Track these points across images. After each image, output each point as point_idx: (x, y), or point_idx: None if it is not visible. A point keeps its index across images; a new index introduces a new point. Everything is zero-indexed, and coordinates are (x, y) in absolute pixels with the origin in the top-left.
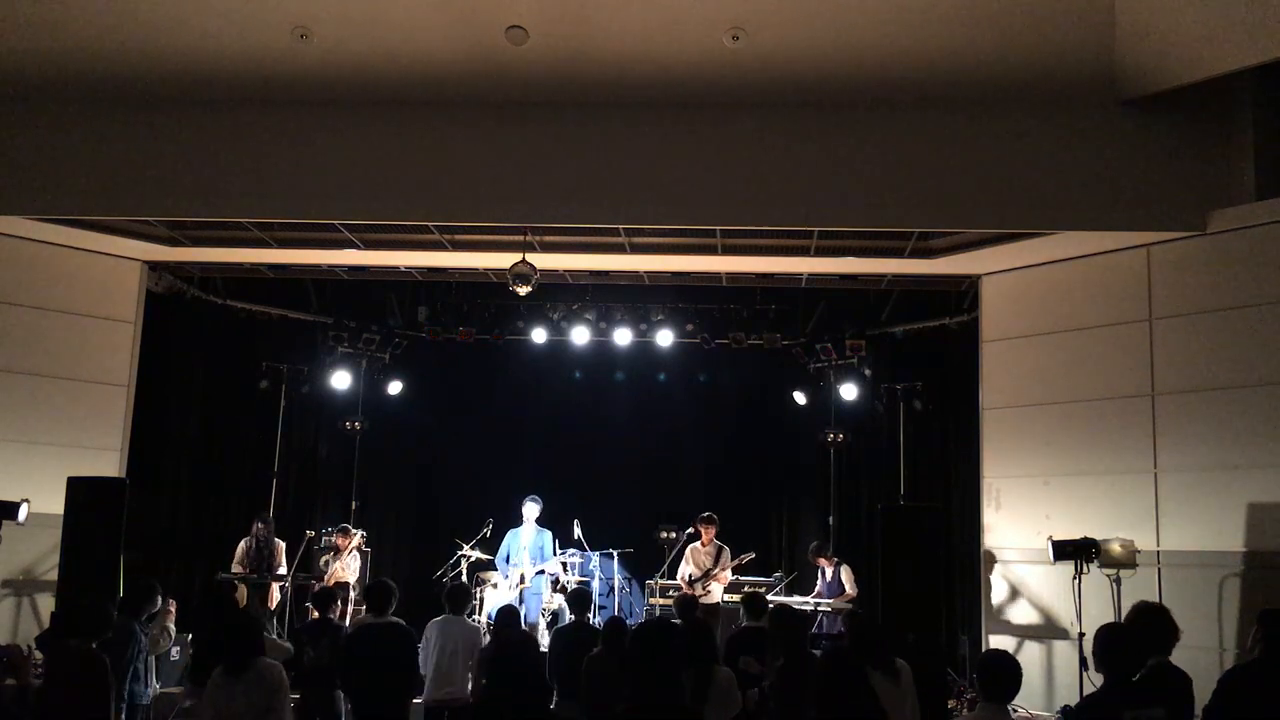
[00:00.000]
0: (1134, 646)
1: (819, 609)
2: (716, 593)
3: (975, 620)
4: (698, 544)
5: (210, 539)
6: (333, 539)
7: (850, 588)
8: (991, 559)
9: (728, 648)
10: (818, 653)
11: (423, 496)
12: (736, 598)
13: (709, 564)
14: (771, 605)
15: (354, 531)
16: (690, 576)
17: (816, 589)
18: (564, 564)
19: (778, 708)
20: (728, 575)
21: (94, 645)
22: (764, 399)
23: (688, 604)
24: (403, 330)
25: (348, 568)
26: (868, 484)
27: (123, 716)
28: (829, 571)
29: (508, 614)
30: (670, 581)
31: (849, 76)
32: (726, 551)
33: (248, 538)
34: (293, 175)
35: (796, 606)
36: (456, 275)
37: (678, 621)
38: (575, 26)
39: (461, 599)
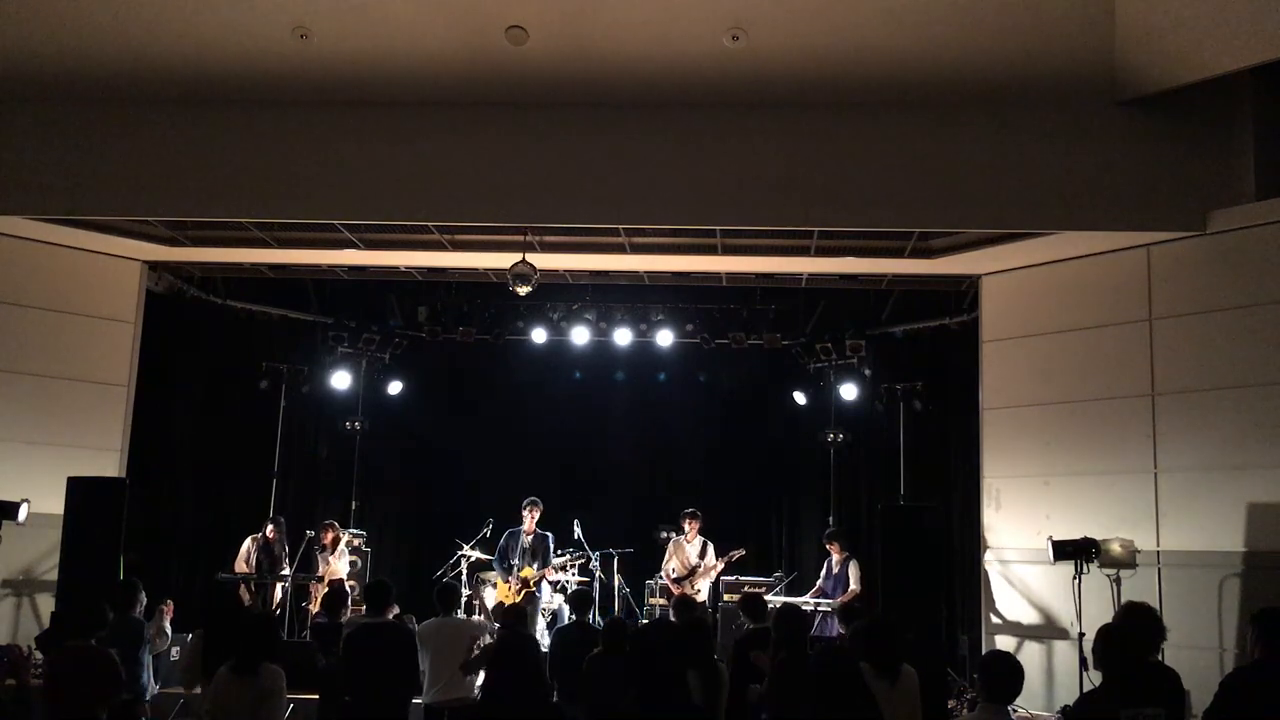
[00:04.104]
0: (1132, 646)
1: (819, 609)
2: (704, 590)
3: (975, 620)
4: (682, 539)
5: (211, 539)
6: (321, 536)
7: (855, 584)
8: (991, 559)
9: (737, 649)
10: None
11: (423, 496)
12: (738, 598)
13: (694, 560)
14: (776, 605)
15: (340, 528)
16: (673, 572)
17: (819, 583)
18: (561, 566)
19: (776, 703)
20: (715, 572)
21: (94, 642)
22: (764, 399)
23: (686, 604)
24: (403, 330)
25: (339, 564)
26: (868, 484)
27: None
28: (836, 562)
29: (516, 613)
30: (665, 582)
31: (849, 76)
32: (711, 547)
33: (256, 536)
34: (293, 175)
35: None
36: (456, 275)
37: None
38: (575, 26)
39: (451, 599)
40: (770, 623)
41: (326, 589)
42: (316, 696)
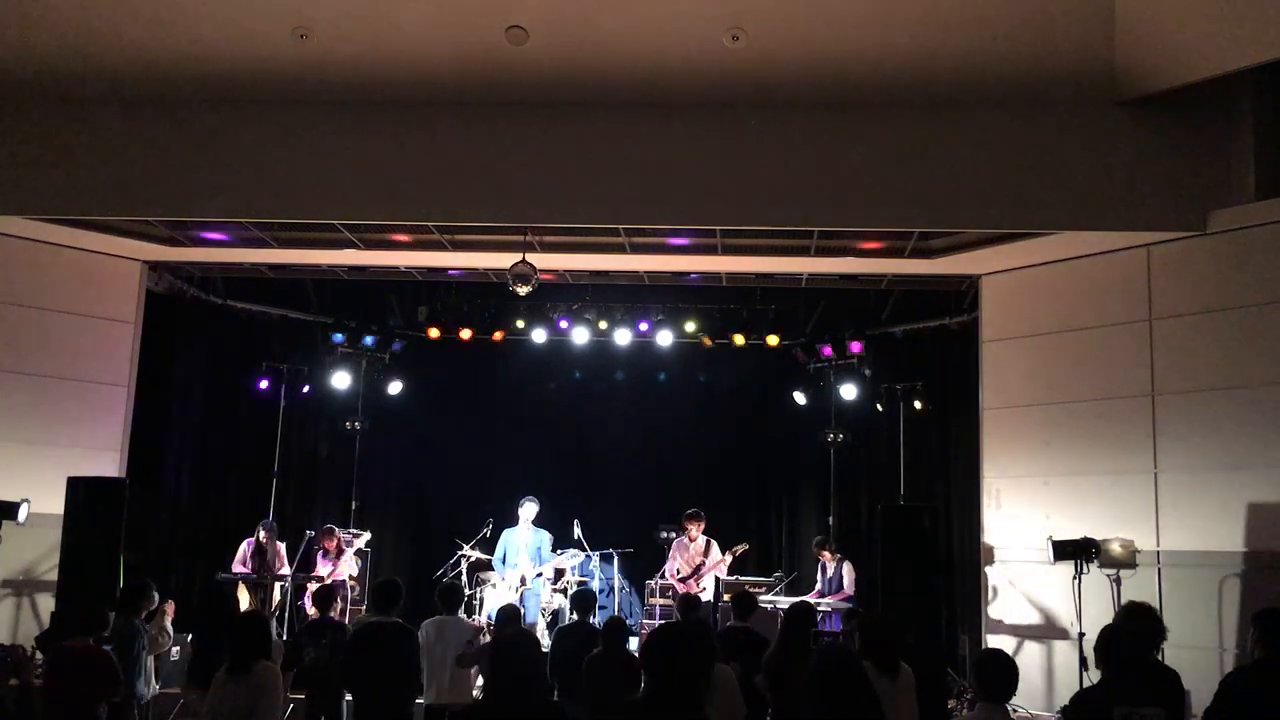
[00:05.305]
0: (1129, 645)
1: (818, 608)
2: (709, 589)
3: (975, 620)
4: (684, 539)
5: (210, 539)
6: (319, 541)
7: (849, 586)
8: (991, 559)
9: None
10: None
11: (423, 496)
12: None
13: (699, 560)
14: (772, 605)
15: (340, 532)
16: (678, 572)
17: (816, 586)
18: (559, 570)
19: (774, 698)
20: (724, 566)
21: (92, 641)
22: (764, 399)
23: (690, 603)
24: (403, 330)
25: (344, 567)
26: (868, 484)
27: (134, 713)
28: (830, 567)
29: (508, 613)
30: (670, 581)
31: (849, 76)
32: (715, 546)
33: (250, 539)
34: (293, 175)
35: None
36: (456, 275)
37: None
38: (575, 26)
39: (454, 598)
40: (751, 622)
41: (319, 587)
42: (302, 696)
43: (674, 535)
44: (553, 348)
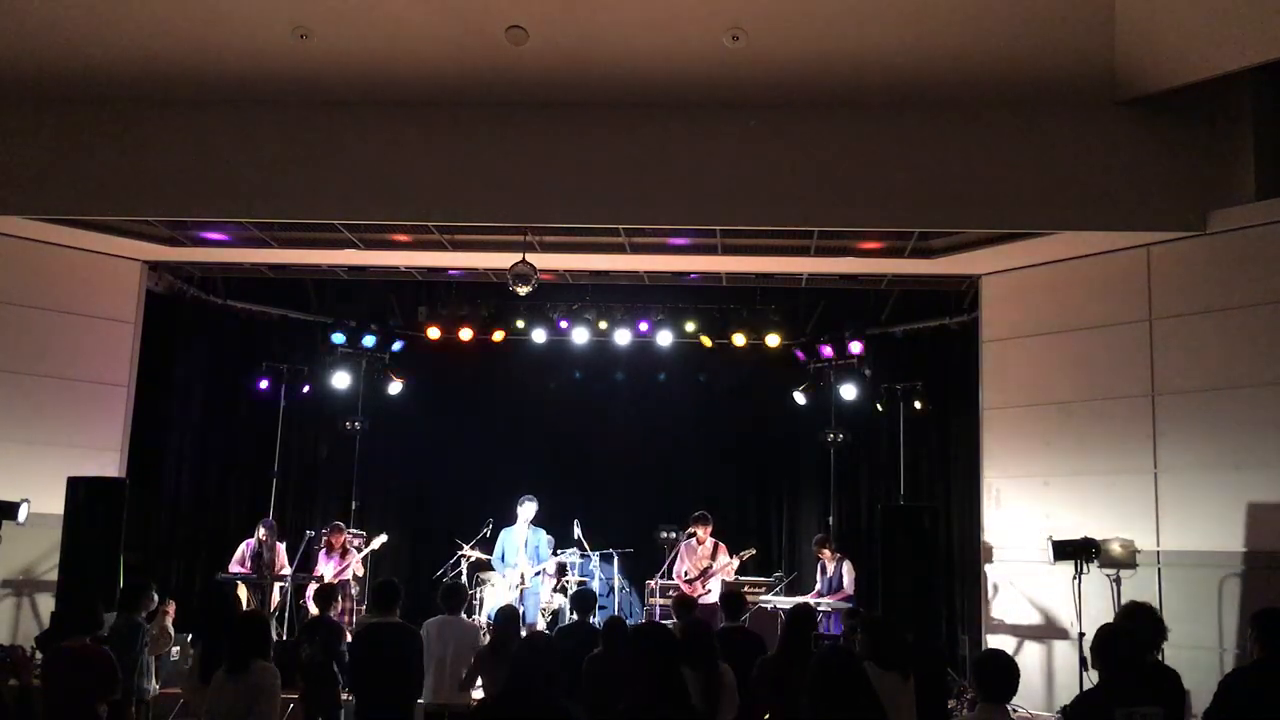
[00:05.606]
0: (1128, 645)
1: (818, 608)
2: (716, 592)
3: (975, 620)
4: (692, 542)
5: (210, 539)
6: (325, 537)
7: (849, 585)
8: (991, 558)
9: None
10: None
11: (423, 496)
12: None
13: (707, 563)
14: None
15: (345, 530)
16: (686, 574)
17: (816, 585)
18: (562, 565)
19: (775, 702)
20: (732, 570)
21: (90, 641)
22: (764, 399)
23: (686, 604)
24: (403, 330)
25: (354, 567)
26: (868, 484)
27: (132, 711)
28: (830, 566)
29: (508, 614)
30: (670, 582)
31: (849, 76)
32: (724, 549)
33: (250, 540)
34: (293, 175)
35: None
36: (456, 275)
37: (670, 622)
38: (575, 26)
39: (457, 599)
40: (743, 622)
41: (320, 586)
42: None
43: (674, 535)
44: (553, 348)
